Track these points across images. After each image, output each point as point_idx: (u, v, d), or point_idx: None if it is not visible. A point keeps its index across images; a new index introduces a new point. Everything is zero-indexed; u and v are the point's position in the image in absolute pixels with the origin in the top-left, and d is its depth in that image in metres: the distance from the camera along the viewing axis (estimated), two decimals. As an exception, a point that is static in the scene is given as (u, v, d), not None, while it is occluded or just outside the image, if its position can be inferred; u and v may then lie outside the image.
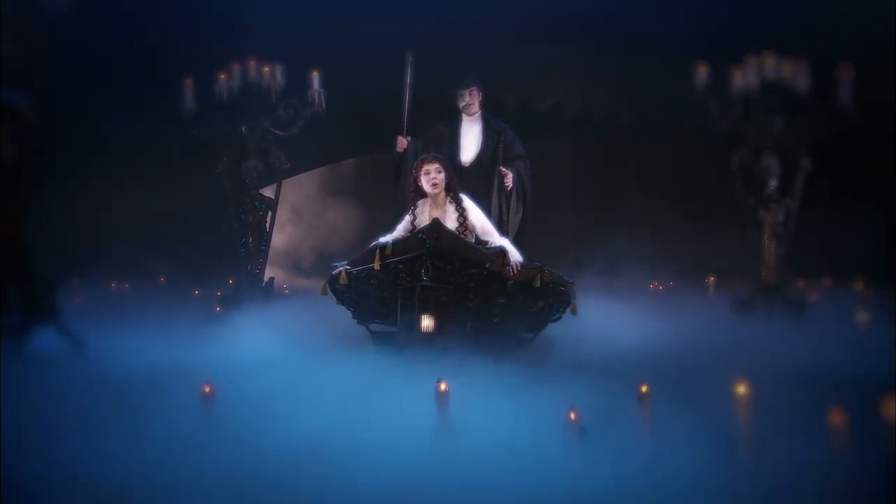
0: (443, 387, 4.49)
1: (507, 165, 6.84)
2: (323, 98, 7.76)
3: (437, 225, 5.42)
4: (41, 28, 5.46)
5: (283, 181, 8.59)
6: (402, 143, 6.87)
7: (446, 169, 5.92)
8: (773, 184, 7.59)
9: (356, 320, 5.94)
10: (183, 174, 9.41)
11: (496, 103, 11.34)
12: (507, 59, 11.22)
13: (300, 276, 13.12)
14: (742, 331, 7.00)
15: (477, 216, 5.89)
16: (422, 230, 5.45)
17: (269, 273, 8.48)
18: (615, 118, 11.93)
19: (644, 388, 4.55)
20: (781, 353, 6.13)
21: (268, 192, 8.34)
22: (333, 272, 5.80)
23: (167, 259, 9.90)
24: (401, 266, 5.45)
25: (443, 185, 5.86)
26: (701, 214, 11.23)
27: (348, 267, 5.68)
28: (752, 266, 7.95)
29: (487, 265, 5.41)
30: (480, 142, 6.88)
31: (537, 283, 5.52)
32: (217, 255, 9.34)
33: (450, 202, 5.86)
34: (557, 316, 5.79)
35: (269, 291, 8.04)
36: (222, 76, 7.72)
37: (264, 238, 8.08)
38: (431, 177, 5.83)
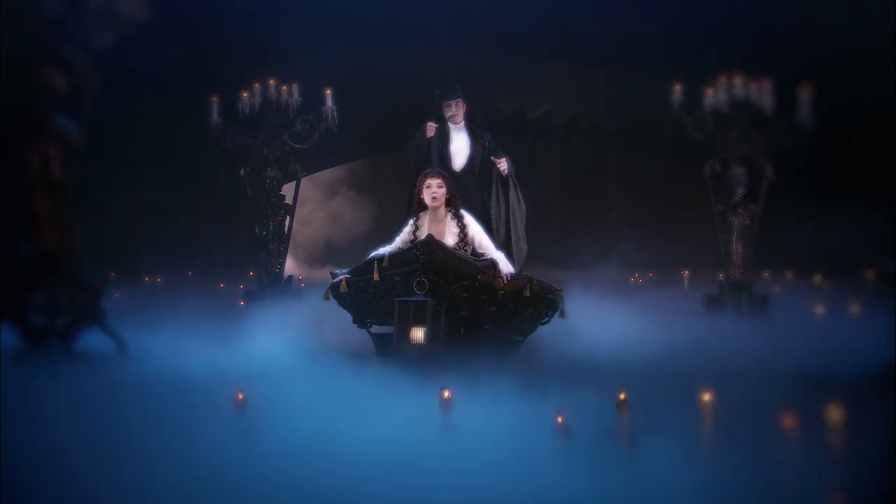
0: (446, 394, 4.30)
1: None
2: (335, 114, 7.85)
3: (430, 240, 5.32)
4: (91, 62, 5.48)
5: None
6: (432, 127, 6.78)
7: (447, 184, 5.83)
8: (740, 191, 7.57)
9: (356, 324, 5.83)
10: (211, 181, 9.55)
11: (493, 111, 11.60)
12: (504, 71, 11.39)
13: (314, 266, 13.29)
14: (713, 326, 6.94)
15: (475, 230, 5.80)
16: (417, 245, 5.36)
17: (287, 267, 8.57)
18: (600, 125, 11.98)
19: (622, 396, 4.33)
20: (746, 347, 6.09)
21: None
22: (334, 279, 5.72)
23: (195, 256, 10.02)
24: (397, 278, 5.36)
25: (443, 199, 5.77)
26: (676, 213, 11.41)
27: (348, 276, 5.59)
28: (721, 263, 7.94)
29: (479, 277, 5.30)
30: (469, 148, 6.83)
31: (527, 293, 5.45)
32: (241, 254, 9.56)
33: (451, 217, 5.77)
34: (546, 320, 5.72)
35: (287, 288, 8.12)
36: (245, 94, 7.84)
37: (283, 240, 8.17)
38: (433, 191, 5.75)
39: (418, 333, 5.15)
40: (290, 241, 8.64)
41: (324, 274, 13.35)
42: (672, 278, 11.34)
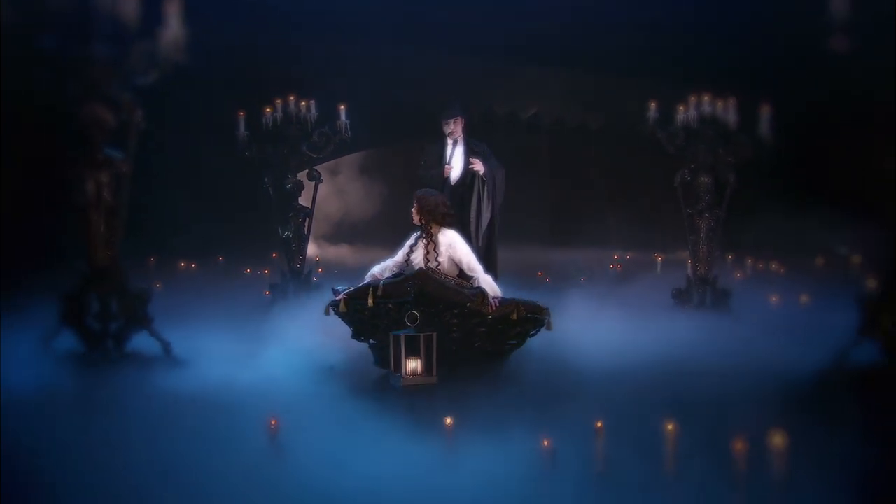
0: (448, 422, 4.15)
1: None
2: (348, 127, 7.92)
3: (421, 275, 5.21)
4: (137, 99, 5.56)
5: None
6: (448, 170, 6.79)
7: (419, 207, 5.62)
8: (706, 198, 7.67)
9: (355, 338, 5.65)
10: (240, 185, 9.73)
11: (488, 112, 11.71)
12: (498, 75, 11.51)
13: (331, 241, 13.47)
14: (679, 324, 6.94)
15: (462, 253, 5.56)
16: (409, 278, 5.22)
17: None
18: (584, 125, 12.07)
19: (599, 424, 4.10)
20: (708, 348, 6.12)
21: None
22: (335, 296, 5.58)
23: (226, 245, 10.38)
24: (390, 306, 5.23)
25: (417, 220, 5.62)
26: (651, 206, 11.57)
27: (346, 296, 5.45)
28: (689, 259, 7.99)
29: (468, 305, 5.18)
30: (464, 161, 6.79)
31: (514, 317, 5.32)
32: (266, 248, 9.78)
33: (430, 238, 5.58)
34: (534, 333, 5.59)
35: (308, 282, 8.19)
36: (268, 109, 7.88)
37: (303, 239, 8.22)
38: (413, 212, 5.69)
39: (411, 366, 4.94)
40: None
41: (338, 251, 13.67)
42: (647, 259, 11.58)
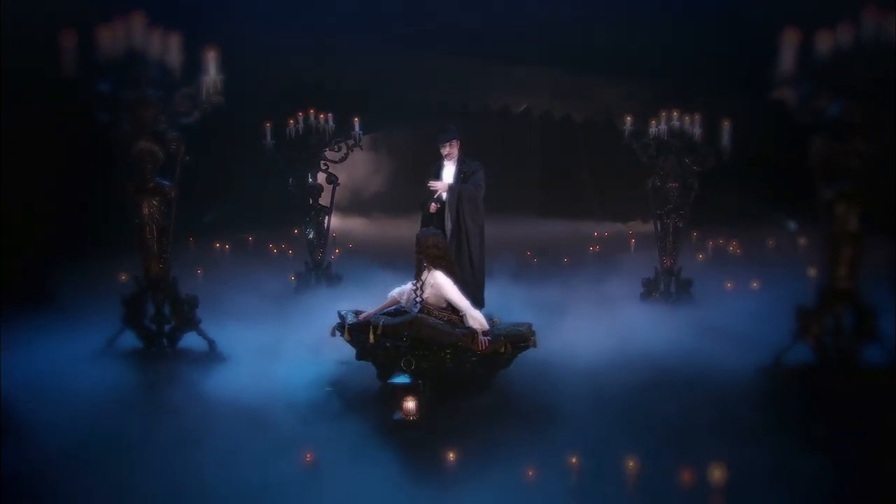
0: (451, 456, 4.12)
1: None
2: (361, 137, 8.19)
3: (416, 322, 4.96)
4: (181, 136, 5.82)
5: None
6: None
7: (419, 247, 5.37)
8: (673, 200, 7.84)
9: (358, 359, 5.38)
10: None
11: (483, 107, 11.91)
12: (493, 74, 11.64)
13: (345, 213, 13.75)
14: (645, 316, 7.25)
15: (449, 293, 5.21)
16: (405, 326, 4.98)
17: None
18: (568, 118, 12.22)
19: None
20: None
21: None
22: (340, 319, 5.41)
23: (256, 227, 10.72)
24: (388, 344, 5.01)
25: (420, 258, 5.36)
26: (626, 195, 11.82)
27: (350, 324, 5.25)
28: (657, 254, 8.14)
29: (460, 343, 4.98)
30: (454, 180, 6.64)
31: (502, 350, 5.12)
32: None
33: (429, 277, 5.29)
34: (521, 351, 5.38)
35: (327, 271, 8.48)
36: (291, 121, 8.10)
37: (323, 235, 8.48)
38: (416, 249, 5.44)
39: (408, 406, 4.71)
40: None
41: (353, 223, 13.95)
42: (622, 237, 11.92)
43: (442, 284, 5.21)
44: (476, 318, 5.16)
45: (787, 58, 5.25)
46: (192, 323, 6.07)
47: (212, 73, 5.69)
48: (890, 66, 5.10)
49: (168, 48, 5.64)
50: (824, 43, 5.18)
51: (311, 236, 8.44)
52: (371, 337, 5.00)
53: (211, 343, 6.05)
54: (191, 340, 6.10)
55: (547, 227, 13.56)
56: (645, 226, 11.09)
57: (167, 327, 6.07)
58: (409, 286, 5.43)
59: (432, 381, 4.96)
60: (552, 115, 12.14)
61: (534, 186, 14.32)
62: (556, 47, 10.72)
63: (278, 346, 6.24)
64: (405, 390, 4.77)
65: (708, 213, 8.78)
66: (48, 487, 3.98)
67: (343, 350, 5.56)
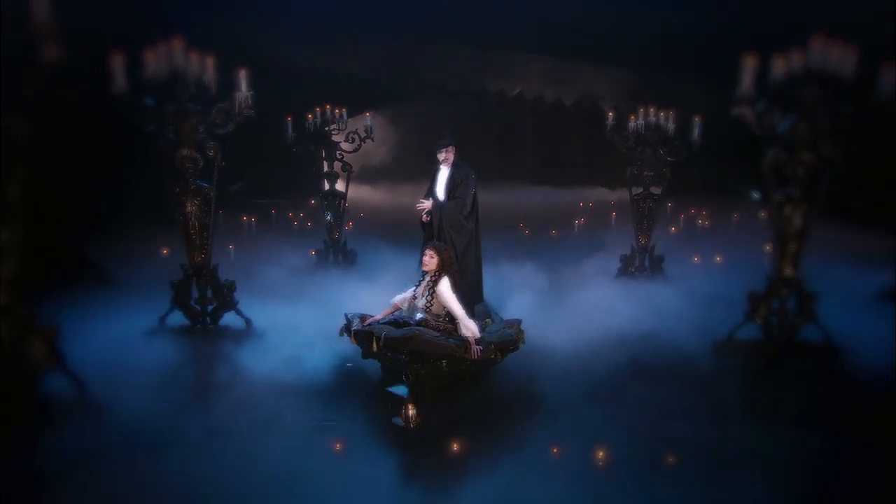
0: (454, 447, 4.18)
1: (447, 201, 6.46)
2: (372, 130, 8.57)
3: (416, 338, 4.93)
4: (218, 145, 6.19)
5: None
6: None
7: (440, 256, 5.35)
8: (648, 186, 8.24)
9: (364, 358, 5.36)
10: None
11: (481, 91, 12.15)
12: (490, 61, 11.86)
13: (356, 186, 14.04)
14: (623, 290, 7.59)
15: (449, 302, 5.23)
16: (405, 341, 4.95)
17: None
18: (558, 103, 12.44)
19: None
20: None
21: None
22: (346, 322, 5.47)
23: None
24: (389, 354, 5.07)
25: (433, 267, 5.34)
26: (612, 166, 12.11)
27: (356, 329, 5.28)
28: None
29: (455, 353, 5.01)
30: (446, 186, 6.52)
31: (492, 357, 5.18)
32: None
33: (430, 285, 5.34)
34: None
35: (343, 249, 8.88)
36: (310, 116, 8.44)
37: (340, 216, 8.85)
38: (425, 259, 5.43)
39: (407, 414, 4.67)
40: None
41: (362, 192, 14.31)
42: (605, 204, 12.29)
43: (443, 292, 5.22)
44: (469, 328, 5.14)
45: (746, 80, 5.60)
46: (230, 304, 6.51)
47: (243, 89, 6.04)
48: (832, 88, 5.47)
49: (205, 68, 5.96)
50: (777, 67, 5.53)
51: (328, 218, 8.82)
52: (374, 346, 5.05)
53: (247, 321, 6.49)
54: (230, 319, 6.53)
55: (538, 195, 13.99)
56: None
57: (209, 308, 6.52)
58: (409, 293, 5.48)
59: (430, 385, 5.00)
60: (543, 99, 12.37)
61: (526, 159, 14.65)
62: (548, 38, 10.97)
63: (303, 320, 6.58)
64: (404, 399, 4.77)
65: (681, 185, 8.98)
66: (124, 459, 4.24)
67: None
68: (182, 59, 5.88)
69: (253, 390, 5.20)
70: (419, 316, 5.29)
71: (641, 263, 8.51)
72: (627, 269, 8.51)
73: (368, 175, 15.33)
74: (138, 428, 4.58)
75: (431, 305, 5.27)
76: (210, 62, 5.96)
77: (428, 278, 5.38)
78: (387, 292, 5.96)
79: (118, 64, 5.70)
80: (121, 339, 6.17)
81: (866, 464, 4.31)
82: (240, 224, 10.68)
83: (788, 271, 6.05)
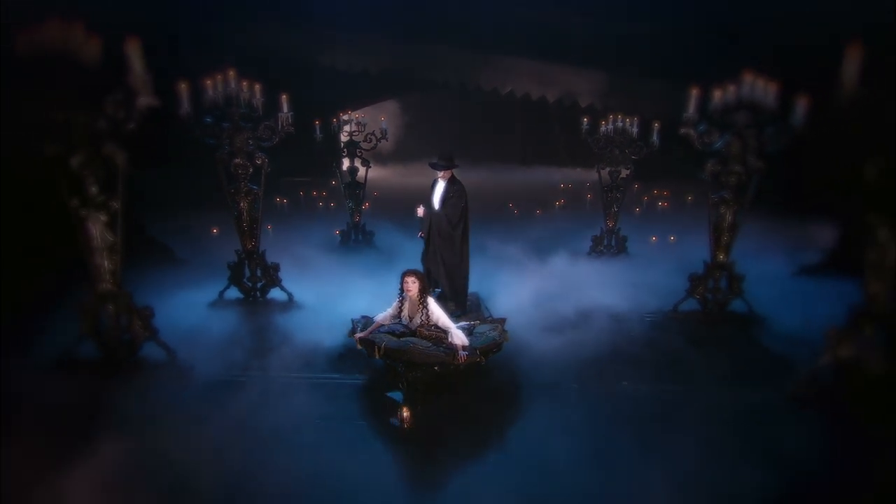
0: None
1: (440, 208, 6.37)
2: (387, 131, 9.13)
3: (410, 352, 5.02)
4: (266, 154, 6.74)
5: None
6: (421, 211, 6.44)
7: (420, 281, 5.35)
8: (616, 180, 8.80)
9: (369, 358, 5.30)
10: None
11: (475, 89, 12.56)
12: (485, 62, 12.25)
13: (379, 165, 14.29)
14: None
15: (438, 314, 5.28)
16: (402, 353, 5.03)
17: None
18: (543, 98, 12.75)
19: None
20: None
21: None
22: (353, 326, 5.55)
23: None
24: (388, 361, 5.13)
25: (415, 290, 5.31)
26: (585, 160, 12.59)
27: (359, 339, 5.31)
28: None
29: (445, 360, 5.04)
30: (441, 197, 6.39)
31: (478, 360, 5.15)
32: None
33: (421, 304, 5.31)
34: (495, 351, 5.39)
35: (363, 229, 9.46)
36: (335, 120, 9.00)
37: (360, 202, 9.41)
38: (408, 285, 5.34)
39: (403, 415, 4.77)
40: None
41: (374, 173, 14.73)
42: (583, 187, 12.82)
43: (434, 311, 5.30)
44: (457, 336, 5.19)
45: (690, 106, 6.23)
46: (276, 281, 7.20)
47: (285, 110, 6.64)
48: (759, 113, 6.10)
49: (253, 92, 6.57)
50: (715, 97, 6.16)
51: (350, 205, 9.41)
52: (376, 354, 5.12)
53: (290, 295, 7.17)
54: (275, 293, 7.21)
55: (526, 175, 14.57)
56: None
57: (259, 284, 7.21)
58: (389, 312, 5.46)
59: (424, 383, 5.07)
60: (530, 96, 12.75)
61: (516, 145, 15.17)
62: (535, 43, 11.37)
63: (334, 291, 7.16)
64: (400, 404, 4.89)
65: (645, 170, 9.45)
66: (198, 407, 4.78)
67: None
68: (235, 85, 6.47)
69: (298, 353, 5.77)
70: (417, 322, 5.40)
71: (609, 243, 9.17)
72: (597, 247, 9.16)
73: (380, 158, 15.82)
74: (211, 381, 5.18)
75: (428, 321, 5.32)
76: (257, 87, 6.55)
77: (410, 299, 5.37)
78: (398, 267, 5.82)
79: (183, 90, 6.28)
80: (191, 307, 6.86)
81: (784, 412, 4.77)
82: (273, 205, 11.24)
83: (722, 257, 6.78)
